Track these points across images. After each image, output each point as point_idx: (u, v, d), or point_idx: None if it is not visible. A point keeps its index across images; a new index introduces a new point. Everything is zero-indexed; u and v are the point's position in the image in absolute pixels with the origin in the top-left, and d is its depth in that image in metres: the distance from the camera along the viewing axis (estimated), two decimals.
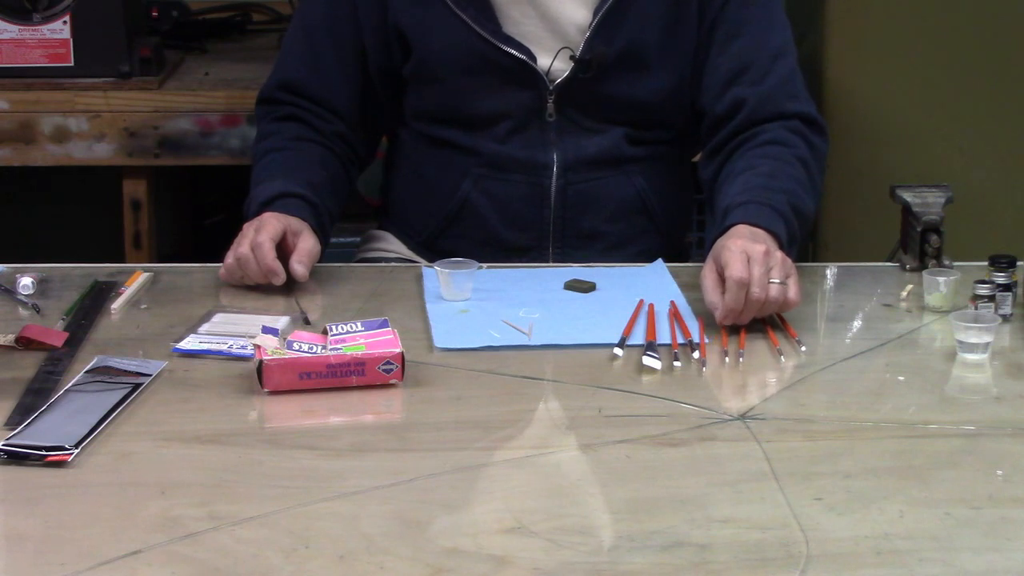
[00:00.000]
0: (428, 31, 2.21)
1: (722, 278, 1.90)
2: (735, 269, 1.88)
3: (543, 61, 2.20)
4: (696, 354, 1.85)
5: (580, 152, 2.23)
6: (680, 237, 2.37)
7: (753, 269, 1.88)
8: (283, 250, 2.05)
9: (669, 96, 2.23)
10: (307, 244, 2.06)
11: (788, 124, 2.17)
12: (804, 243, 2.80)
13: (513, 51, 2.18)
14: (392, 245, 2.36)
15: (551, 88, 2.20)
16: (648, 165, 2.27)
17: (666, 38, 2.19)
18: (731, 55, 2.19)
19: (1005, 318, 1.96)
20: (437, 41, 2.21)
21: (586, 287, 2.05)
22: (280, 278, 2.02)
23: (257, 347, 1.76)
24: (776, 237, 1.99)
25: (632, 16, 2.18)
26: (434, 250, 2.28)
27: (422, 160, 2.31)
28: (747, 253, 1.90)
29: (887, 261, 2.21)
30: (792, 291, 1.91)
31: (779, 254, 1.93)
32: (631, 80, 2.21)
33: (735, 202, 2.03)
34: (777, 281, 1.89)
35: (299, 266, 2.03)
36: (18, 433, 1.62)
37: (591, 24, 2.17)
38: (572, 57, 2.18)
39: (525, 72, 2.20)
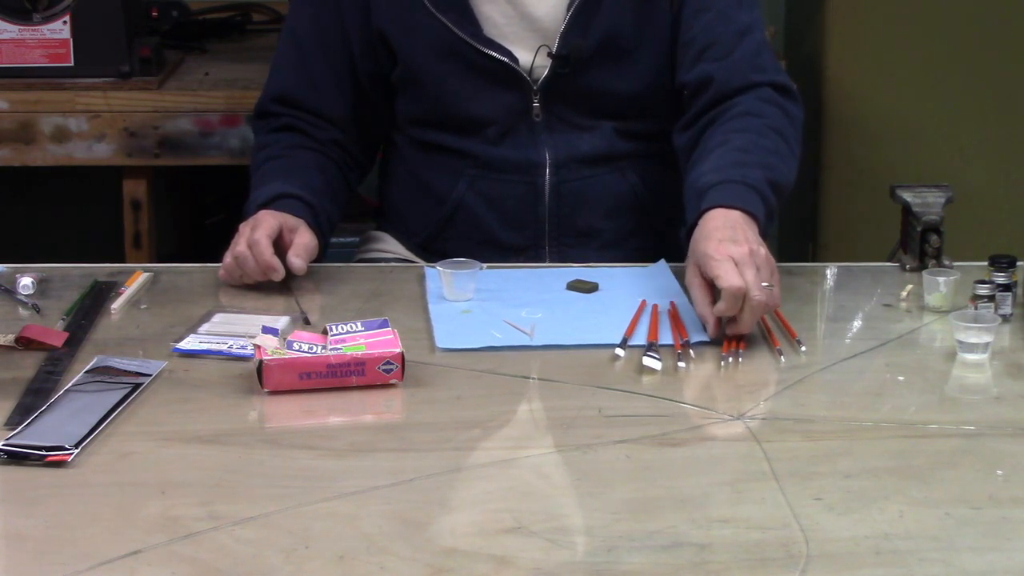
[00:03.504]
0: (410, 35, 2.21)
1: (710, 286, 1.89)
2: (729, 279, 1.84)
3: (525, 61, 2.20)
4: (692, 352, 1.85)
5: (572, 150, 2.24)
6: (676, 233, 2.38)
7: (746, 274, 1.85)
8: (281, 247, 2.05)
9: (651, 83, 2.23)
10: (304, 239, 2.06)
11: (759, 94, 2.16)
12: (795, 233, 2.81)
13: (494, 53, 2.19)
14: (390, 246, 2.36)
15: (535, 88, 2.21)
16: (641, 162, 2.28)
17: (642, 25, 2.20)
18: (699, 30, 2.19)
19: (1005, 318, 1.96)
20: (420, 46, 2.21)
21: (588, 287, 2.05)
22: (279, 274, 2.02)
23: (257, 347, 1.76)
24: (754, 217, 1.97)
25: (606, 7, 2.18)
26: (431, 252, 2.28)
27: (416, 164, 2.31)
28: (732, 258, 1.87)
29: (887, 261, 2.21)
30: (775, 292, 1.90)
31: (762, 251, 1.90)
32: (612, 71, 2.21)
33: (710, 182, 2.01)
34: (766, 285, 1.88)
35: (297, 260, 2.03)
36: (18, 433, 1.62)
37: (565, 18, 2.18)
38: (550, 54, 2.19)
39: (508, 74, 2.20)
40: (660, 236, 2.29)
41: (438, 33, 2.19)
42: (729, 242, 1.89)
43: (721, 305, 1.86)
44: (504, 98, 2.22)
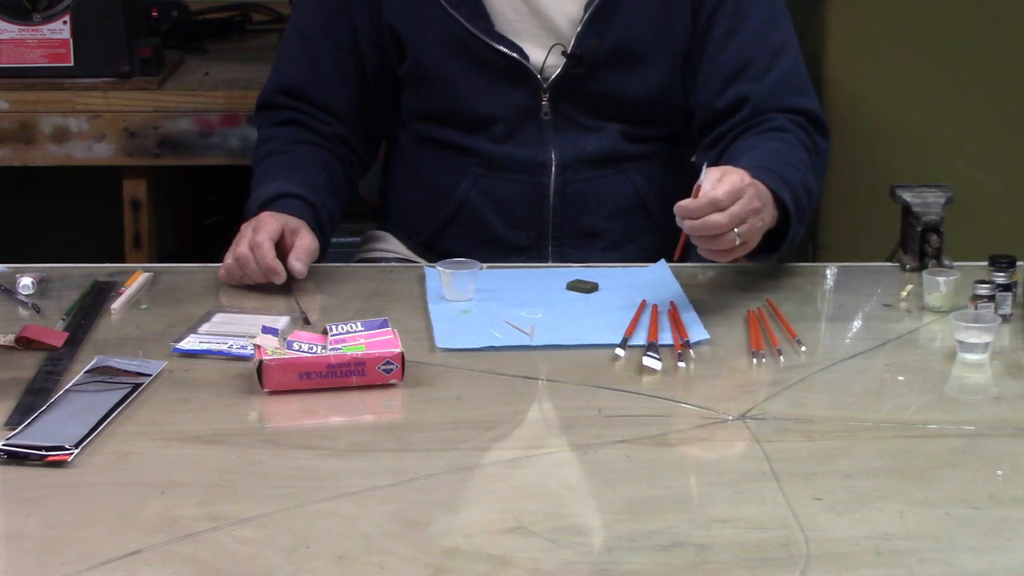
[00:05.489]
0: (421, 30, 2.21)
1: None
2: (718, 189, 1.86)
3: (536, 58, 2.20)
4: (692, 352, 1.85)
5: (578, 150, 2.23)
6: (679, 235, 2.38)
7: (734, 205, 1.87)
8: (282, 249, 2.05)
9: (662, 92, 2.23)
10: (304, 241, 2.06)
11: (792, 118, 2.18)
12: (806, 230, 2.79)
13: (505, 49, 2.18)
14: (391, 245, 2.36)
15: (545, 86, 2.20)
16: (646, 163, 2.28)
17: (659, 33, 2.20)
18: (731, 52, 2.19)
19: (1005, 318, 1.96)
20: (430, 40, 2.21)
21: (588, 287, 2.05)
22: (280, 277, 2.02)
23: (257, 347, 1.76)
24: (783, 204, 1.99)
25: (624, 10, 2.18)
26: (433, 250, 2.28)
27: (421, 161, 2.31)
28: (743, 192, 1.89)
29: (887, 261, 2.21)
30: (734, 251, 1.90)
31: (759, 224, 1.92)
32: (624, 76, 2.21)
33: (745, 168, 2.02)
34: (737, 233, 1.88)
35: (297, 263, 2.03)
36: (18, 433, 1.62)
37: (582, 19, 2.18)
38: (564, 53, 2.19)
39: (518, 71, 2.20)
40: (664, 237, 2.29)
41: (448, 28, 2.19)
42: (752, 189, 1.90)
43: (694, 204, 1.86)
44: (513, 95, 2.22)
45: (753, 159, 2.07)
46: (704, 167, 1.91)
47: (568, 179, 2.24)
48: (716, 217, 1.87)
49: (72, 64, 2.88)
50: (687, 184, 2.33)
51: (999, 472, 1.59)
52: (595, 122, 2.24)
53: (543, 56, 2.20)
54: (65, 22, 2.87)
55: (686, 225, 1.89)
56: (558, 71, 2.20)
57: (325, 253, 2.16)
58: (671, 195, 2.29)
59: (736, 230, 1.89)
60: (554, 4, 2.19)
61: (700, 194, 1.87)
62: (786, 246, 2.05)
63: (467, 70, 2.21)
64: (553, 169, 2.23)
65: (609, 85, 2.21)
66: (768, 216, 1.97)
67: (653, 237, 2.28)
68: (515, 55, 2.19)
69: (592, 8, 2.17)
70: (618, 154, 2.25)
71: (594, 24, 2.18)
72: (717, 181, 1.89)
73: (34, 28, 2.87)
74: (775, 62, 2.20)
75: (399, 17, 2.22)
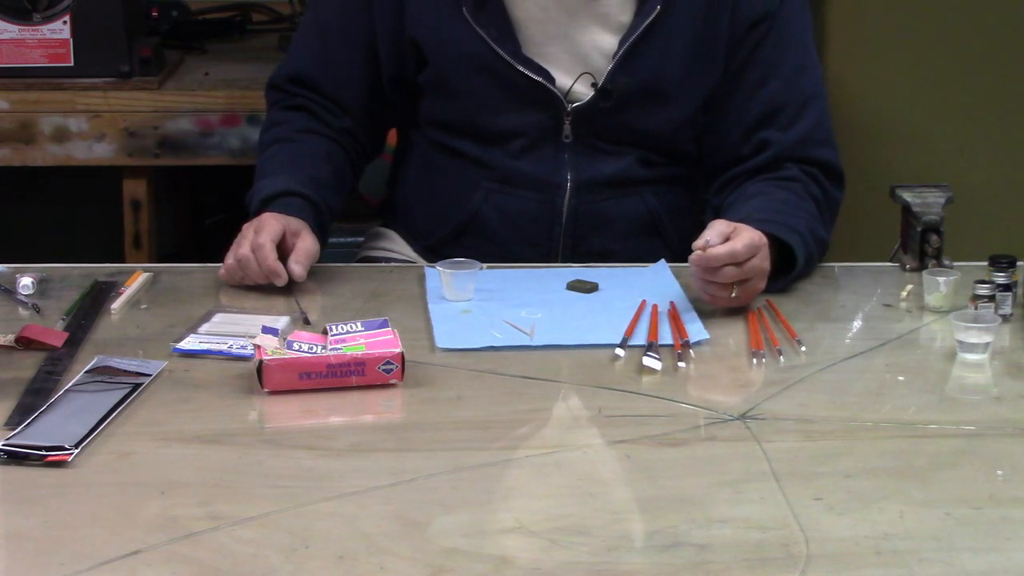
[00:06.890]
0: (447, 45, 2.19)
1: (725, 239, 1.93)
2: (737, 242, 1.91)
3: (563, 83, 2.18)
4: (692, 352, 1.85)
5: (594, 173, 2.22)
6: (689, 254, 2.37)
7: (745, 265, 1.91)
8: (283, 250, 2.05)
9: (684, 127, 2.22)
10: (305, 244, 2.06)
11: (808, 169, 2.18)
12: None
13: (531, 73, 2.17)
14: (396, 245, 2.35)
15: (569, 110, 2.19)
16: (660, 186, 2.26)
17: (689, 73, 2.18)
18: (761, 99, 2.19)
19: (1005, 318, 1.96)
20: (454, 56, 2.19)
21: (588, 287, 2.05)
22: (282, 279, 2.02)
23: (257, 347, 1.76)
24: (792, 250, 2.02)
25: (657, 49, 2.16)
26: (440, 256, 2.26)
27: (434, 167, 2.30)
28: (759, 249, 1.93)
29: (887, 261, 2.21)
30: (727, 301, 1.94)
31: (759, 288, 1.97)
32: (650, 111, 2.19)
33: (753, 217, 2.03)
34: (734, 289, 1.93)
35: (297, 266, 2.03)
36: (18, 433, 1.62)
37: (616, 54, 2.16)
38: (594, 85, 2.17)
39: (543, 93, 2.18)
40: (675, 258, 2.27)
41: (475, 46, 2.17)
42: (765, 250, 1.95)
43: (709, 253, 1.90)
44: (535, 115, 2.20)
45: (760, 208, 2.08)
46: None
47: (582, 200, 2.22)
48: (729, 270, 1.92)
49: (72, 64, 2.88)
50: (700, 206, 2.33)
51: (999, 472, 1.59)
52: (614, 147, 2.22)
53: (570, 82, 2.18)
54: (65, 22, 2.87)
55: (695, 271, 1.93)
56: (586, 100, 2.19)
57: (324, 253, 2.15)
58: (684, 216, 2.29)
59: (736, 286, 1.92)
60: (587, 34, 2.18)
61: (710, 246, 1.91)
62: (789, 280, 2.06)
63: (490, 87, 2.19)
64: (568, 190, 2.22)
65: (634, 118, 2.20)
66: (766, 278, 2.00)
67: (664, 256, 2.25)
68: (540, 79, 2.17)
69: (627, 45, 2.15)
70: (633, 178, 2.24)
71: (628, 60, 2.15)
72: (726, 236, 1.92)
73: (34, 28, 2.87)
74: (803, 112, 2.20)
75: (423, 31, 2.20)
